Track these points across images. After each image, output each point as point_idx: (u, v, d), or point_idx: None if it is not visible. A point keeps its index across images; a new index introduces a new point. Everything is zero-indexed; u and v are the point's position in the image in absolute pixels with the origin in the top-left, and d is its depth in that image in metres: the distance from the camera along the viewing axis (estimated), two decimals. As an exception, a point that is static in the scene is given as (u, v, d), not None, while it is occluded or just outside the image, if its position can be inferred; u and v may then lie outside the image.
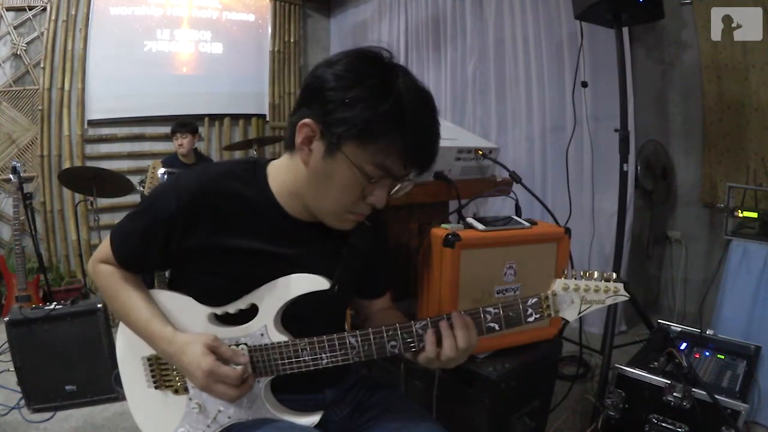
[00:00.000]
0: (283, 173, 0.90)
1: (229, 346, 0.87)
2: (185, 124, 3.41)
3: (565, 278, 0.81)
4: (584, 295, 0.80)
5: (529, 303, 0.81)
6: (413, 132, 0.77)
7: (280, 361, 0.85)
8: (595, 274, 0.81)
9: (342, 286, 0.89)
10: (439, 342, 0.81)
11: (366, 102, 0.75)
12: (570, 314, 0.81)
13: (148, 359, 0.95)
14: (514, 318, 0.82)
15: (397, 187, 0.85)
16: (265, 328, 0.87)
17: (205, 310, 0.89)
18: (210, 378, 0.82)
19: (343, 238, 0.94)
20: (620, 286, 0.80)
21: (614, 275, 0.80)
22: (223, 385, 0.82)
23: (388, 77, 0.77)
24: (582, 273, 0.81)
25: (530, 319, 0.82)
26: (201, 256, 0.87)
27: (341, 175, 0.79)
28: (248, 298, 0.88)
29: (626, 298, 0.80)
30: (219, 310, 0.89)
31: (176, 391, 0.93)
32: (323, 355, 0.84)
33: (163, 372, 0.94)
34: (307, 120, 0.79)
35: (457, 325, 0.81)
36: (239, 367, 0.84)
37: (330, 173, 0.80)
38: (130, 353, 0.97)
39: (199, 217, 0.85)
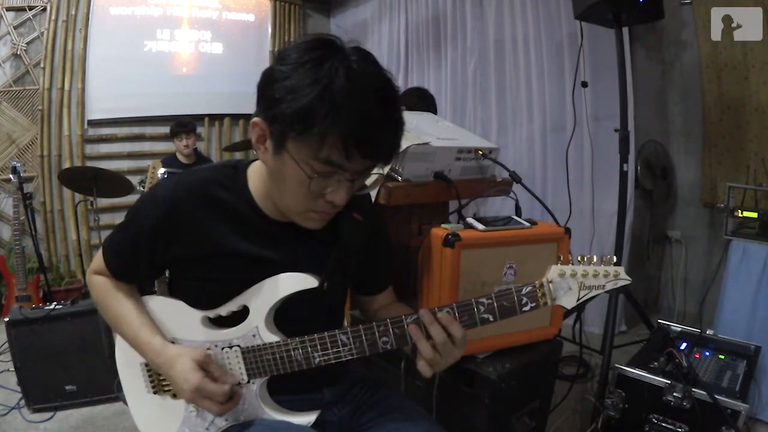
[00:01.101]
0: (258, 174, 0.89)
1: (223, 348, 0.87)
2: (186, 124, 3.42)
3: (561, 264, 0.78)
4: (582, 281, 0.76)
5: (523, 292, 0.78)
6: (348, 117, 0.70)
7: (273, 362, 0.85)
8: (594, 259, 0.77)
9: (332, 284, 0.88)
10: (428, 336, 0.79)
11: (295, 93, 0.71)
12: (568, 301, 0.77)
13: (146, 365, 0.95)
14: (509, 308, 0.79)
15: (371, 180, 0.82)
16: (256, 329, 0.86)
17: (198, 314, 0.89)
18: (196, 393, 0.82)
19: (333, 235, 0.92)
20: (621, 269, 0.76)
21: (614, 258, 0.77)
22: (208, 401, 0.82)
23: (321, 63, 0.71)
24: (579, 258, 0.78)
25: (525, 308, 0.78)
26: (187, 262, 0.88)
27: (290, 173, 0.77)
28: (239, 299, 0.87)
29: (628, 282, 0.76)
30: (211, 313, 0.89)
31: (174, 396, 0.93)
32: (315, 354, 0.83)
33: (161, 377, 0.95)
34: (255, 119, 0.79)
35: (428, 322, 0.79)
36: (225, 386, 0.83)
37: (282, 172, 0.79)
38: (128, 360, 0.97)
39: (180, 226, 0.85)
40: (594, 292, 0.77)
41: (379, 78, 0.76)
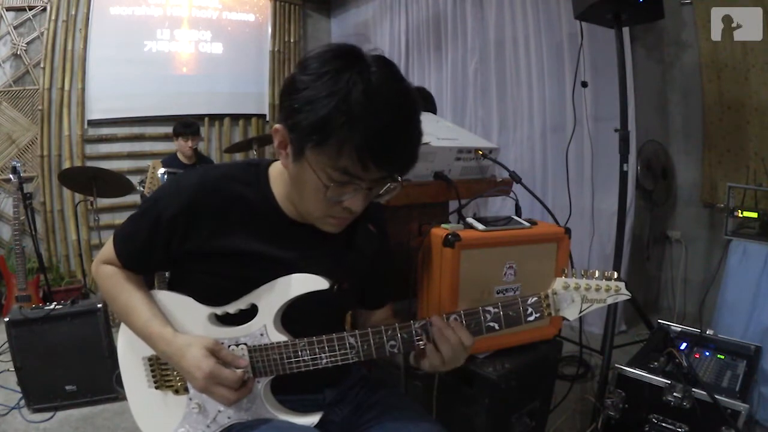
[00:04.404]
0: (280, 175, 0.90)
1: (229, 346, 0.87)
2: (190, 125, 3.41)
3: (565, 277, 0.80)
4: (585, 294, 0.80)
5: (529, 302, 0.81)
6: (364, 129, 0.71)
7: (279, 361, 0.85)
8: (596, 273, 0.80)
9: (342, 288, 0.89)
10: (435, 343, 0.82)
11: (313, 104, 0.72)
12: (570, 313, 0.80)
13: (149, 359, 0.95)
14: (514, 317, 0.82)
15: (385, 188, 0.82)
16: (264, 328, 0.87)
17: (205, 311, 0.89)
18: (210, 380, 0.82)
19: (347, 241, 0.93)
20: (621, 285, 0.79)
21: (615, 274, 0.80)
22: (222, 387, 0.82)
23: (340, 74, 0.72)
24: (582, 272, 0.80)
25: (530, 318, 0.81)
26: (201, 257, 0.87)
27: (308, 179, 0.78)
28: (248, 298, 0.88)
29: (627, 297, 0.79)
30: (219, 311, 0.89)
31: (176, 392, 0.93)
32: (322, 355, 0.84)
33: (164, 372, 0.94)
34: (277, 126, 0.80)
35: (443, 326, 0.82)
36: (239, 371, 0.84)
37: (301, 178, 0.80)
38: (130, 353, 0.97)
39: (200, 219, 0.86)
40: (595, 306, 0.80)
41: (398, 90, 0.76)
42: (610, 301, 0.79)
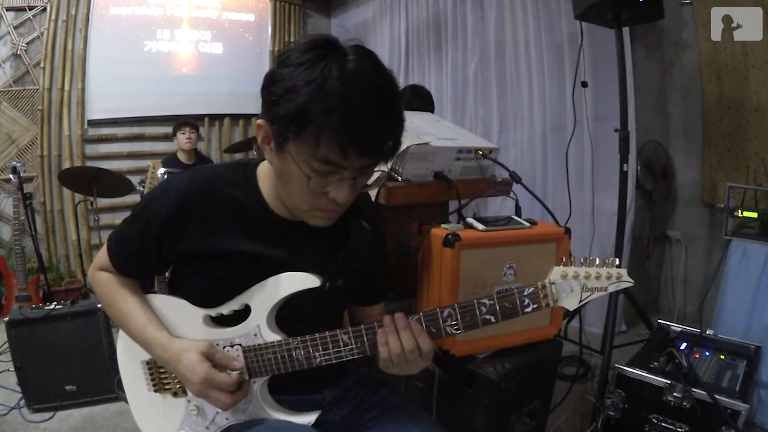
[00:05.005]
0: (267, 173, 0.90)
1: (224, 347, 0.87)
2: (188, 123, 3.46)
3: (564, 266, 0.78)
4: (585, 283, 0.76)
5: (525, 293, 0.78)
6: (342, 115, 0.70)
7: (274, 361, 0.85)
8: (597, 261, 0.77)
9: (335, 285, 0.88)
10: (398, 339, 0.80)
11: (291, 93, 0.72)
12: (570, 303, 0.77)
13: (147, 363, 0.95)
14: (511, 309, 0.79)
15: (373, 178, 0.81)
16: (258, 328, 0.87)
17: (200, 312, 0.89)
18: (205, 385, 0.82)
19: (340, 238, 0.93)
20: (623, 271, 0.75)
21: (617, 261, 0.77)
22: (218, 391, 0.83)
23: (316, 63, 0.72)
24: (582, 260, 0.78)
25: (527, 310, 0.78)
26: (193, 259, 0.88)
27: (292, 172, 0.78)
28: (241, 298, 0.88)
29: (630, 284, 0.76)
30: (213, 312, 0.89)
31: (175, 394, 0.93)
32: (316, 354, 0.84)
33: (162, 376, 0.95)
34: (259, 121, 0.80)
35: (401, 326, 0.80)
36: (234, 374, 0.84)
37: (285, 171, 0.79)
38: (129, 357, 0.97)
39: (190, 221, 0.86)
40: (596, 294, 0.77)
41: (376, 76, 0.75)
42: (611, 288, 0.76)
